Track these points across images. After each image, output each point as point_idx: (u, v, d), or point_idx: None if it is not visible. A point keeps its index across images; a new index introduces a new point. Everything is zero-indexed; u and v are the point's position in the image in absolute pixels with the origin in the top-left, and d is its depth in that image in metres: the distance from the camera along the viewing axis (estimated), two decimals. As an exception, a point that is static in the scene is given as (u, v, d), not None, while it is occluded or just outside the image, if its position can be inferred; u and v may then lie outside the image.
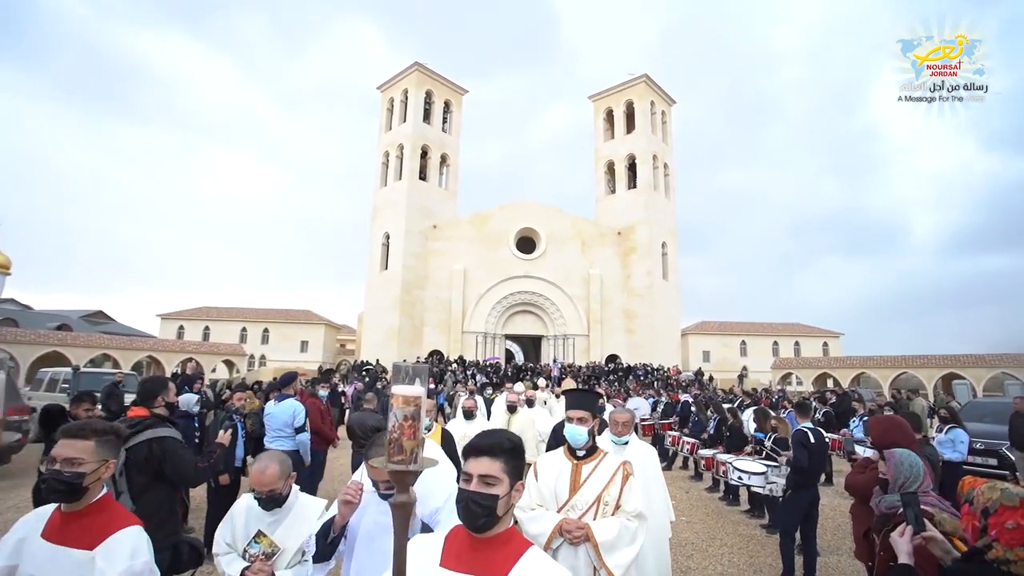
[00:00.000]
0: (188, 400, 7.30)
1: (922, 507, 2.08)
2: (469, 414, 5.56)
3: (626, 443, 3.33)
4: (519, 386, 11.40)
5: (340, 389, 16.25)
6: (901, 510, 2.00)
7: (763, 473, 5.97)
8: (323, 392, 8.37)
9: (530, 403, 7.51)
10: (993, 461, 8.93)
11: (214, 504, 5.27)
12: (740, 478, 6.33)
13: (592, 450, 2.64)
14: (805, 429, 5.03)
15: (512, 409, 6.44)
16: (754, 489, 6.26)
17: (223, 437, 3.53)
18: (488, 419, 8.59)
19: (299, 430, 5.55)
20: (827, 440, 5.22)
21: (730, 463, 6.61)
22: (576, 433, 2.60)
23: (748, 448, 7.45)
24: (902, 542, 1.84)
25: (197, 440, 7.75)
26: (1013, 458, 8.43)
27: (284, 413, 5.43)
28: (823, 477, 8.89)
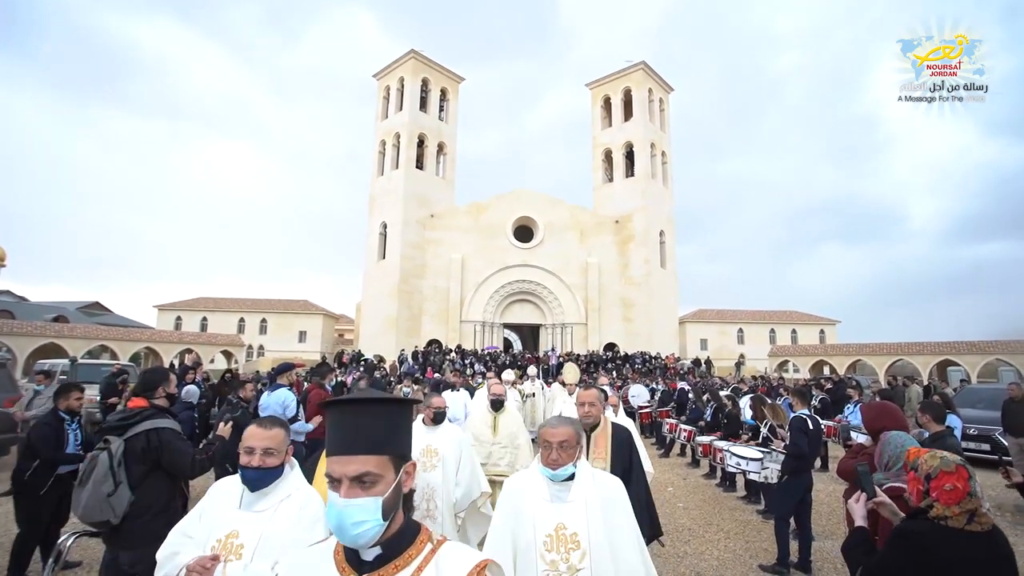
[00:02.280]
0: (193, 392, 7.34)
1: (902, 484, 2.35)
2: (438, 416, 3.83)
3: (570, 478, 2.07)
4: (508, 374, 10.25)
5: (339, 379, 16.30)
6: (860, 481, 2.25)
7: (759, 459, 6.04)
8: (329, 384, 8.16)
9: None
10: (986, 446, 9.02)
11: None
12: (738, 464, 6.42)
13: (397, 545, 1.13)
14: (803, 416, 5.07)
15: (498, 405, 4.81)
16: (750, 476, 6.34)
17: (223, 429, 3.53)
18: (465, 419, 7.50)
19: (292, 420, 5.57)
20: (822, 427, 5.26)
21: (727, 450, 6.68)
22: (344, 517, 1.06)
23: (744, 436, 7.51)
24: (858, 507, 2.09)
25: (196, 430, 7.78)
26: (1006, 443, 8.50)
27: (275, 403, 5.43)
28: (818, 463, 8.99)
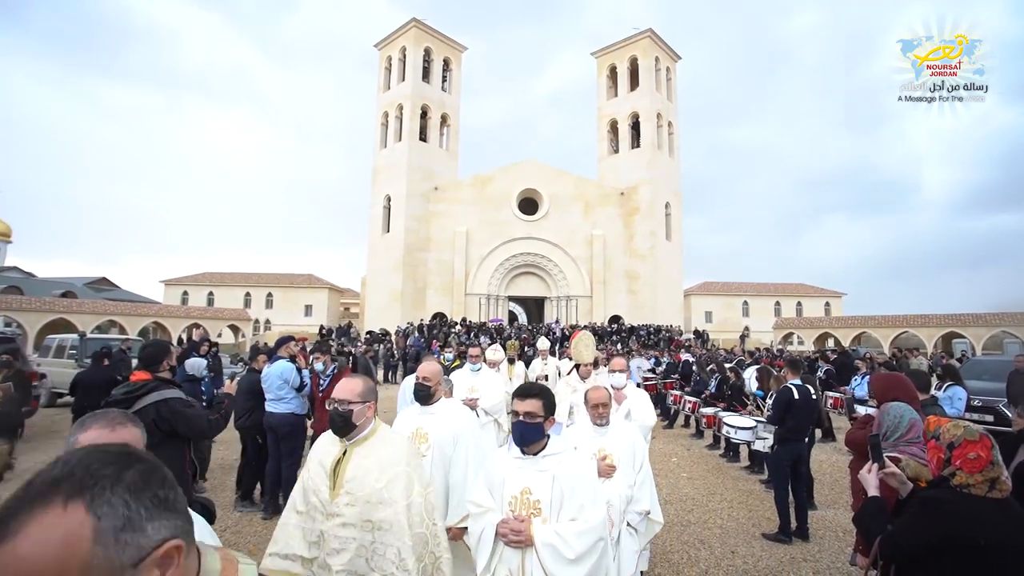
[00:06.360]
0: (198, 364, 7.36)
1: (899, 454, 2.54)
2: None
3: None
4: (496, 352, 6.45)
5: (348, 350, 16.39)
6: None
7: (751, 428, 6.13)
8: (318, 366, 6.26)
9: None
10: (990, 418, 9.06)
11: (255, 460, 5.64)
12: (728, 432, 6.54)
13: None
14: (791, 386, 5.05)
15: (344, 425, 2.17)
16: (738, 442, 6.46)
17: (229, 386, 3.72)
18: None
19: (299, 388, 5.61)
20: (815, 397, 5.23)
21: (722, 419, 6.77)
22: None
23: (749, 406, 7.55)
24: (870, 477, 2.12)
25: (205, 403, 7.86)
26: (1010, 415, 8.53)
27: (275, 375, 5.47)
28: (820, 433, 9.05)
